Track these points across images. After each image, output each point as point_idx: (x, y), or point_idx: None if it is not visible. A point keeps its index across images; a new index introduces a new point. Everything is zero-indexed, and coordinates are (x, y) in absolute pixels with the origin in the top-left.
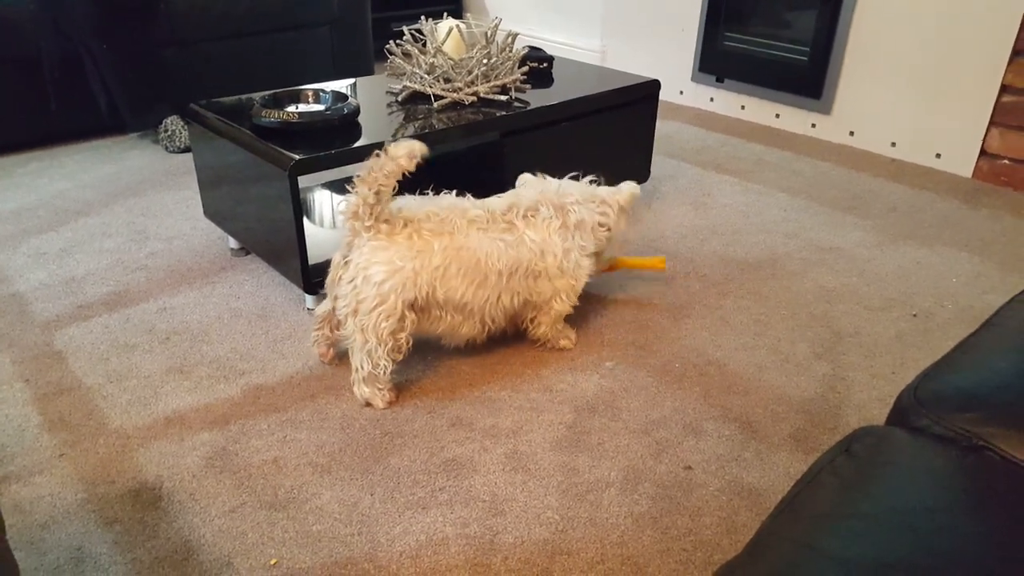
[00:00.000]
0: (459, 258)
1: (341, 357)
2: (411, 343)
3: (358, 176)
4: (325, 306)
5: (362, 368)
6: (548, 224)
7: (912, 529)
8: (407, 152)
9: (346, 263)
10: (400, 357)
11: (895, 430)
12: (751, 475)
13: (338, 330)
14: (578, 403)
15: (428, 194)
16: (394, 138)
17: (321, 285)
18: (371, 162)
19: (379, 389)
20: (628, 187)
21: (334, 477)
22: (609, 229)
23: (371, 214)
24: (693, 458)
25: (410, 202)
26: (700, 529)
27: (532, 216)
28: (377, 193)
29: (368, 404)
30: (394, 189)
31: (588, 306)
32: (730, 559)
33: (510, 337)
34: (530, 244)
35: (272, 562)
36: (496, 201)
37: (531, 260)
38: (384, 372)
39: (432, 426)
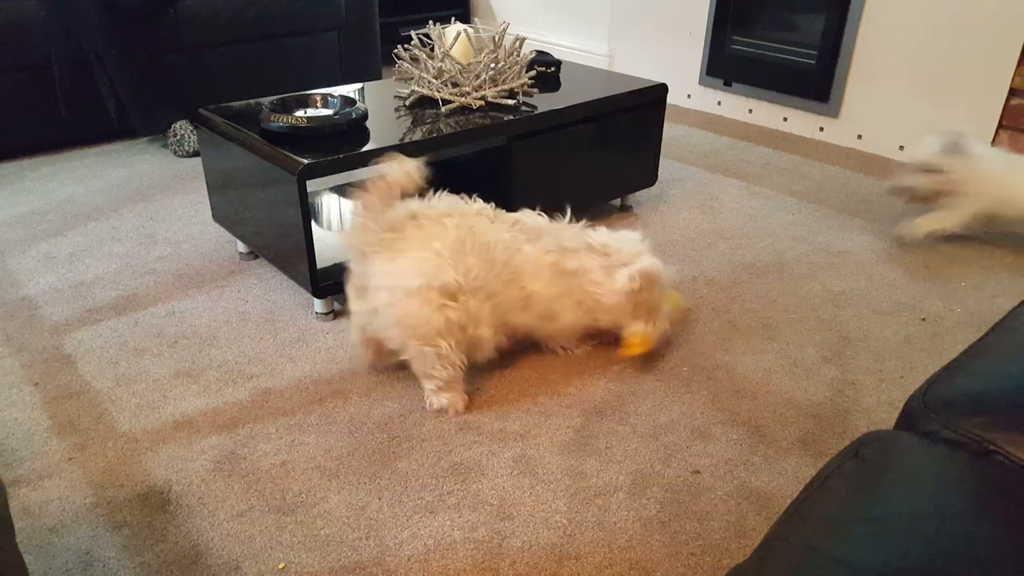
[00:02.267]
0: (471, 235)
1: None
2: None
3: (362, 193)
4: (356, 335)
5: (437, 377)
6: (542, 256)
7: (921, 534)
8: (402, 171)
9: (366, 293)
10: (465, 354)
11: (904, 435)
12: (759, 479)
13: (382, 354)
14: (586, 407)
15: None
16: (398, 145)
17: (329, 290)
18: (372, 184)
19: (457, 392)
20: (631, 273)
21: (342, 481)
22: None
23: (377, 232)
24: (701, 462)
25: (411, 202)
26: (708, 533)
27: (535, 240)
28: (383, 212)
29: (442, 411)
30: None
31: None
32: (739, 563)
33: (517, 341)
34: (526, 256)
35: (280, 566)
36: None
37: (523, 273)
38: (463, 368)
39: (440, 430)
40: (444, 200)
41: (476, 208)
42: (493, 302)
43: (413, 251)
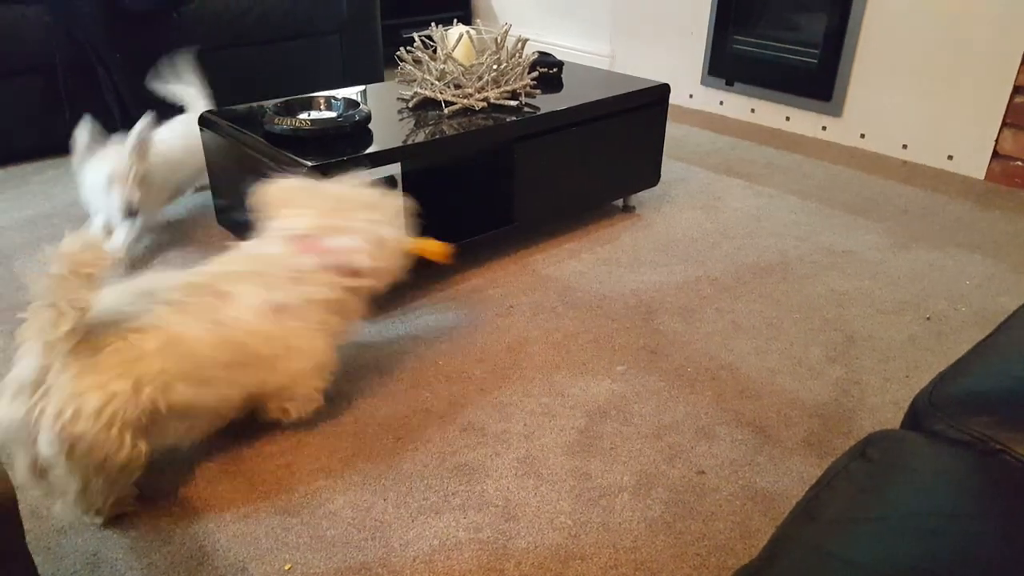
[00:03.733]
0: (177, 346)
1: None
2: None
3: (49, 282)
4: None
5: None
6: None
7: (928, 533)
8: (84, 252)
9: (44, 392)
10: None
11: (910, 434)
12: (764, 479)
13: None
14: (590, 407)
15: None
16: (402, 147)
17: None
18: (56, 271)
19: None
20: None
21: (347, 482)
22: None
23: (74, 334)
24: (706, 462)
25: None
26: (714, 534)
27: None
28: (81, 309)
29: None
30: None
31: (596, 309)
32: (746, 564)
33: (519, 341)
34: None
35: (286, 567)
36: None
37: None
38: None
39: (443, 431)
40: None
41: (176, 295)
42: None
43: (107, 376)
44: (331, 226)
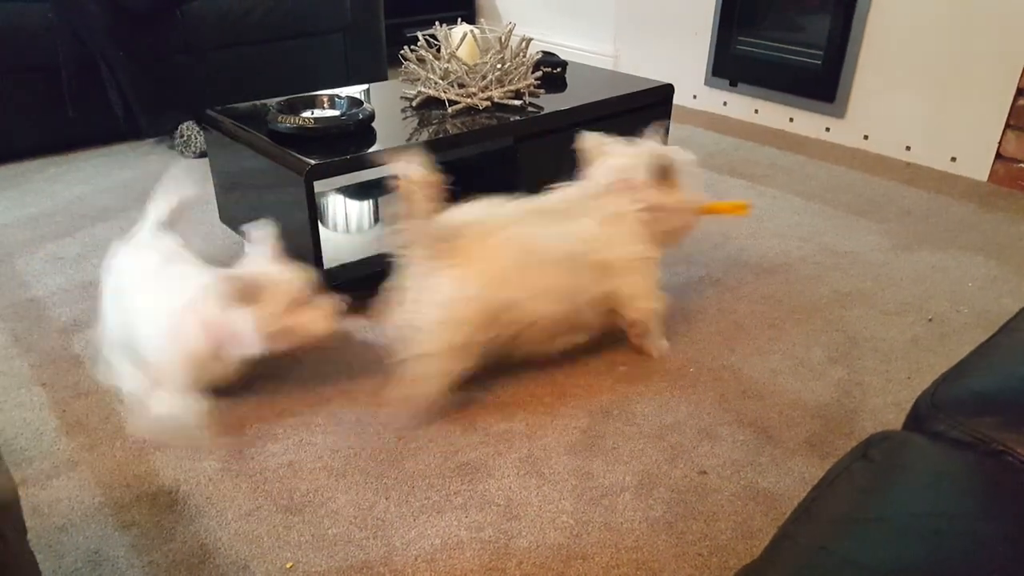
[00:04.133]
0: (532, 251)
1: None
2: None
3: (405, 199)
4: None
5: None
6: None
7: (930, 534)
8: (407, 165)
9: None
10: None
11: (912, 435)
12: (766, 480)
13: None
14: (592, 407)
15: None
16: (405, 147)
17: (336, 290)
18: (407, 189)
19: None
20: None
21: (349, 481)
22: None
23: (428, 241)
24: (708, 463)
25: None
26: (715, 534)
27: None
28: (426, 220)
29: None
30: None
31: None
32: (747, 564)
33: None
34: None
35: (288, 566)
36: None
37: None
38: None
39: (445, 430)
40: (479, 210)
41: (518, 217)
42: (562, 301)
43: (479, 265)
44: (636, 173)
